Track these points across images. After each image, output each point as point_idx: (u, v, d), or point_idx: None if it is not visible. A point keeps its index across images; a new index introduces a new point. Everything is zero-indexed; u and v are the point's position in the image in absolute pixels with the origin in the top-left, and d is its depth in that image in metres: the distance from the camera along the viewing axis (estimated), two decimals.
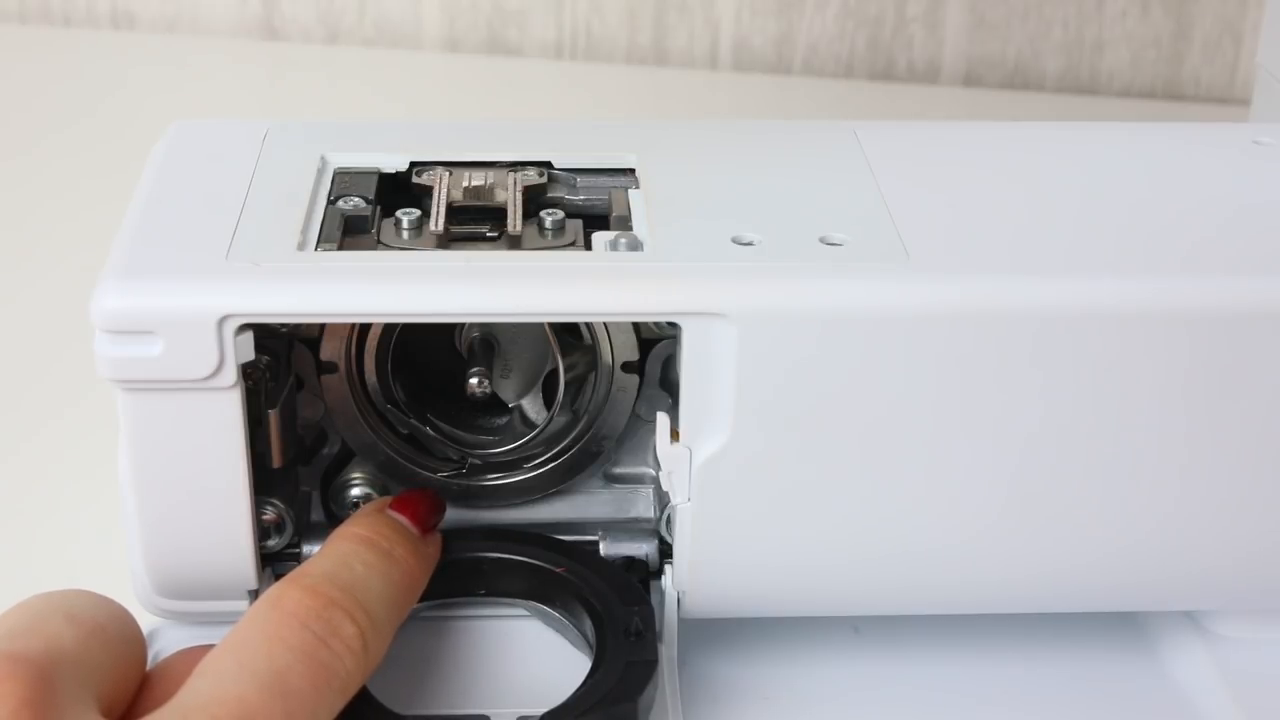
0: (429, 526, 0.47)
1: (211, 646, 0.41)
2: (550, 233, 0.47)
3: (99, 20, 1.03)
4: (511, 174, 0.49)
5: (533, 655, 0.48)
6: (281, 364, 0.46)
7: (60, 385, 0.66)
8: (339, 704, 0.41)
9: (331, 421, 0.49)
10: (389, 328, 0.47)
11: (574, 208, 0.49)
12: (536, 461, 0.49)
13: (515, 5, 1.01)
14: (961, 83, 1.00)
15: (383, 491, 0.49)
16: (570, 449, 0.49)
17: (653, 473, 0.50)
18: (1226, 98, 0.99)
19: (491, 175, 0.49)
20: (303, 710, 0.39)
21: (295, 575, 0.43)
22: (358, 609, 0.42)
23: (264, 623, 0.41)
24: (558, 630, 0.48)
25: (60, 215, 0.81)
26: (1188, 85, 0.99)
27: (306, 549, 0.48)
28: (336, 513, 0.49)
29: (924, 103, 0.97)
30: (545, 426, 0.49)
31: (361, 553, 0.44)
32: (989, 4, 0.98)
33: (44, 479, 0.61)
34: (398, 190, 0.49)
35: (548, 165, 0.50)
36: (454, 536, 0.48)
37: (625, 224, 0.47)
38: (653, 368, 0.48)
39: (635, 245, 0.45)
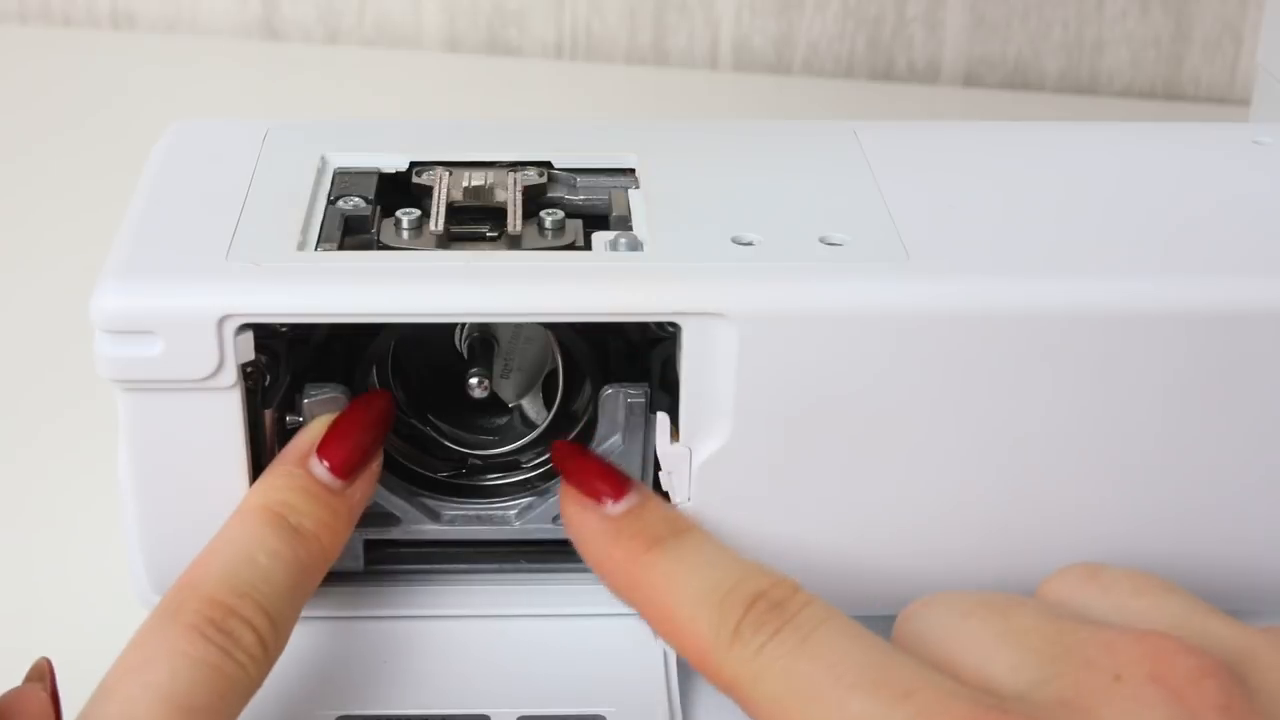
0: (357, 468, 0.45)
1: (30, 688, 0.41)
2: (550, 233, 0.47)
3: (99, 20, 1.03)
4: (511, 174, 0.49)
5: (533, 655, 0.48)
6: (281, 364, 0.46)
7: (60, 385, 0.66)
8: (241, 709, 0.40)
9: None
10: (389, 327, 0.47)
11: (574, 208, 0.49)
12: (536, 461, 0.49)
13: (515, 5, 1.01)
14: (961, 83, 1.00)
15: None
16: None
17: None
18: (1226, 98, 0.99)
19: (491, 175, 0.49)
20: None
21: (194, 577, 0.41)
22: (257, 613, 0.41)
23: (164, 640, 0.40)
24: None
25: (60, 215, 0.81)
26: (1188, 85, 0.99)
27: None
28: None
29: (924, 103, 0.97)
30: (544, 427, 0.49)
31: (267, 539, 0.42)
32: (989, 4, 0.98)
33: (44, 479, 0.61)
34: (398, 190, 0.49)
35: (548, 165, 0.50)
36: None
37: (625, 224, 0.47)
38: (653, 368, 0.48)
39: (635, 245, 0.45)
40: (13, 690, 0.41)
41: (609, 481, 0.40)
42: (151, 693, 0.38)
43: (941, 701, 0.35)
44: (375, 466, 0.46)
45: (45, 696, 0.41)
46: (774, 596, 0.37)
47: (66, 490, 0.60)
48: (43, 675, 0.42)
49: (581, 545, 0.40)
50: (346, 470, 0.45)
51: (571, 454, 0.41)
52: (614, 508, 0.40)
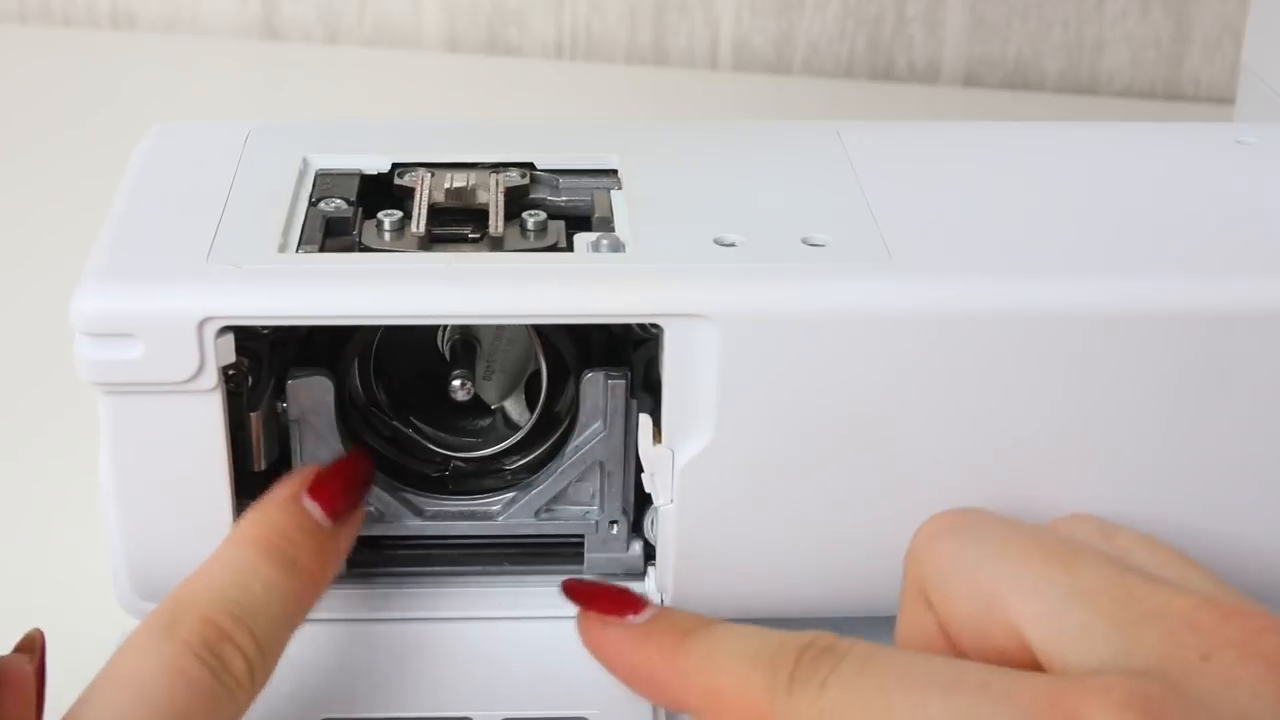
0: (344, 511, 0.45)
1: (16, 658, 0.41)
2: (532, 234, 0.47)
3: (99, 20, 1.03)
4: (494, 175, 0.49)
5: (516, 657, 0.48)
6: (263, 366, 0.46)
7: (61, 386, 0.66)
8: None
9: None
10: (371, 330, 0.47)
11: (556, 209, 0.49)
12: (520, 463, 0.49)
13: (515, 5, 1.01)
14: (961, 83, 1.00)
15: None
16: (552, 448, 0.49)
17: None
18: (1226, 98, 0.98)
19: (473, 177, 0.49)
20: None
21: (189, 594, 0.42)
22: (249, 641, 0.41)
23: (160, 654, 0.40)
24: None
25: (60, 215, 0.81)
26: (1188, 85, 0.99)
27: None
28: None
29: (924, 103, 0.97)
30: (528, 428, 0.49)
31: (262, 568, 0.43)
32: (989, 4, 0.98)
33: (40, 481, 0.61)
34: (379, 192, 0.49)
35: (530, 166, 0.49)
36: None
37: (607, 225, 0.47)
38: (636, 369, 0.48)
39: (617, 246, 0.45)
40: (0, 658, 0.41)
41: (627, 598, 0.41)
42: (146, 707, 0.39)
43: (1018, 687, 0.35)
44: (358, 515, 0.46)
45: (30, 670, 0.41)
46: (820, 644, 0.37)
47: (54, 493, 0.60)
48: (33, 647, 0.42)
49: (612, 657, 0.40)
50: (335, 511, 0.45)
51: (584, 585, 0.42)
52: (638, 618, 0.40)
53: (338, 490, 0.45)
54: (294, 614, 0.43)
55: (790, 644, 0.37)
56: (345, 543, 0.46)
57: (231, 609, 0.41)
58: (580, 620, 0.41)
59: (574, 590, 0.41)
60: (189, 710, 0.39)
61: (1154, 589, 0.36)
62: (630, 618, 0.40)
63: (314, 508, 0.45)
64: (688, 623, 0.40)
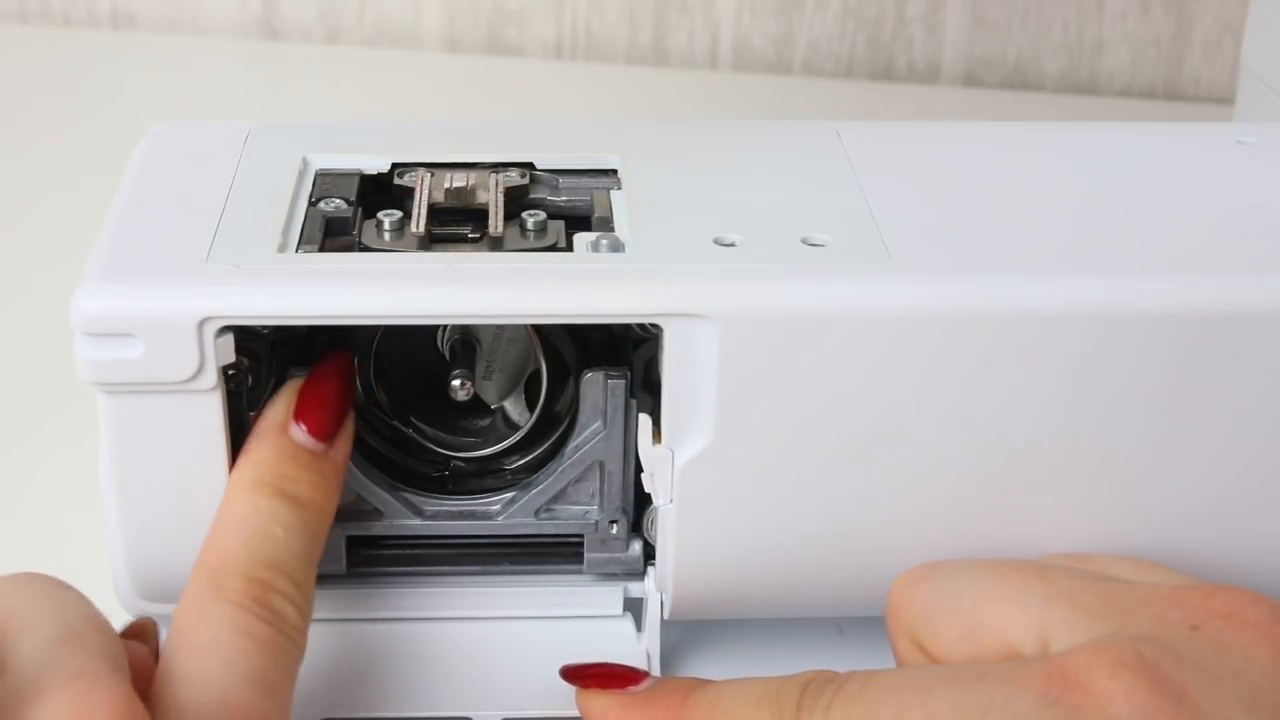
0: (334, 433, 0.45)
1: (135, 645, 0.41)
2: (532, 234, 0.47)
3: (99, 20, 1.03)
4: (493, 175, 0.49)
5: (516, 657, 0.48)
6: (263, 366, 0.46)
7: (59, 386, 0.66)
8: (294, 682, 0.41)
9: None
10: (370, 330, 0.47)
11: (556, 209, 0.49)
12: (521, 463, 0.49)
13: (515, 5, 1.01)
14: (961, 83, 1.00)
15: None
16: (552, 448, 0.49)
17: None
18: (1226, 98, 0.98)
19: (473, 176, 0.49)
20: (285, 703, 0.40)
21: (219, 557, 0.42)
22: (290, 586, 0.41)
23: (222, 621, 0.40)
24: None
25: (60, 215, 0.81)
26: (1188, 85, 0.99)
27: None
28: None
29: (924, 103, 0.97)
30: (528, 428, 0.49)
31: (276, 510, 0.43)
32: (989, 4, 0.98)
33: (39, 481, 0.61)
34: (379, 192, 0.49)
35: (530, 166, 0.49)
36: None
37: (607, 225, 0.47)
38: (635, 369, 0.48)
39: (617, 246, 0.45)
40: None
41: (628, 672, 0.42)
42: (233, 674, 0.39)
43: (1016, 669, 0.36)
44: (349, 425, 0.46)
45: (150, 660, 0.41)
46: (822, 678, 0.38)
47: (66, 490, 0.60)
48: (147, 635, 0.42)
49: None
50: (325, 432, 0.45)
51: (582, 666, 0.43)
52: (638, 688, 0.41)
53: (324, 411, 0.45)
54: (314, 547, 0.43)
55: (793, 681, 0.39)
56: (342, 458, 0.45)
57: (265, 560, 0.42)
58: (580, 696, 0.42)
59: (573, 671, 0.42)
60: (265, 666, 0.39)
61: (1133, 586, 0.38)
62: (631, 689, 0.41)
63: (304, 436, 0.45)
64: (689, 683, 0.41)
